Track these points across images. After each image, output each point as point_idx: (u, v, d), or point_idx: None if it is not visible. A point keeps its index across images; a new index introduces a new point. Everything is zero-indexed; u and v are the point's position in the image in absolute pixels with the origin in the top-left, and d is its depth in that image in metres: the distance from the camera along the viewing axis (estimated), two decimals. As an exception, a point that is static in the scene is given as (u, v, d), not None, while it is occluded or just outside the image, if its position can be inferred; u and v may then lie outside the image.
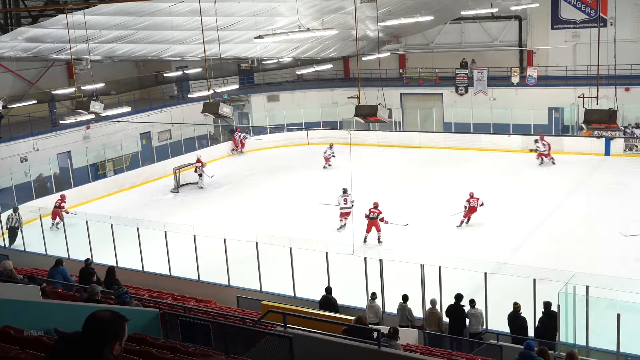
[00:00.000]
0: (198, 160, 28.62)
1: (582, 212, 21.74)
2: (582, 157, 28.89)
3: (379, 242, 19.68)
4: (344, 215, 20.93)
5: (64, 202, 23.49)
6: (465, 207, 20.77)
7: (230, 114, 17.35)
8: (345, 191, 21.06)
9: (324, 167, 29.72)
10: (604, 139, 28.70)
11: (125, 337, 3.47)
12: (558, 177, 26.00)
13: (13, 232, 21.14)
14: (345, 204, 20.97)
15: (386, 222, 19.69)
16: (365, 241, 19.68)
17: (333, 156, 29.55)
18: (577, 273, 12.29)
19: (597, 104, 13.64)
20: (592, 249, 18.45)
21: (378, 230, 19.75)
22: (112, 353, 3.38)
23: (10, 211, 21.37)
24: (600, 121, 12.16)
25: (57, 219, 22.71)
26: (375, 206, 19.79)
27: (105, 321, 3.41)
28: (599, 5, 32.66)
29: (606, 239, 19.06)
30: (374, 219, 19.64)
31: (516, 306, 12.75)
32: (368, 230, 19.79)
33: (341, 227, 21.04)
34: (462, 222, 20.86)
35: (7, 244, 20.68)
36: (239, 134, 34.86)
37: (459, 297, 13.35)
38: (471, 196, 20.80)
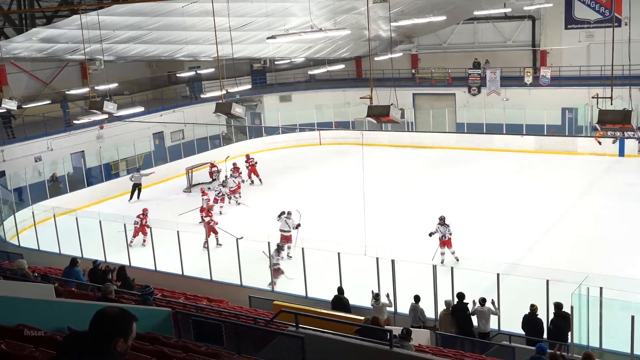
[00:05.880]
0: (212, 165, 28.23)
1: (595, 213, 21.59)
2: (595, 158, 28.70)
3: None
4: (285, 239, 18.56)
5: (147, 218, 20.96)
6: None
7: (242, 114, 17.36)
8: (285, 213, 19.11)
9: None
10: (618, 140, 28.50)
11: (133, 335, 3.40)
12: (571, 177, 25.84)
13: (134, 189, 25.46)
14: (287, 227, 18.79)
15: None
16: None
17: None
18: (590, 274, 12.21)
19: (612, 104, 13.50)
20: (606, 250, 18.30)
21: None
22: (116, 349, 3.32)
23: (134, 171, 26.06)
24: (614, 121, 12.06)
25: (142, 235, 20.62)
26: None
27: (111, 318, 3.37)
28: (613, 5, 32.37)
29: (620, 240, 18.92)
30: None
31: (533, 308, 12.63)
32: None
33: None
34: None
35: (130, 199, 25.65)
36: None
37: (461, 295, 13.29)
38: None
